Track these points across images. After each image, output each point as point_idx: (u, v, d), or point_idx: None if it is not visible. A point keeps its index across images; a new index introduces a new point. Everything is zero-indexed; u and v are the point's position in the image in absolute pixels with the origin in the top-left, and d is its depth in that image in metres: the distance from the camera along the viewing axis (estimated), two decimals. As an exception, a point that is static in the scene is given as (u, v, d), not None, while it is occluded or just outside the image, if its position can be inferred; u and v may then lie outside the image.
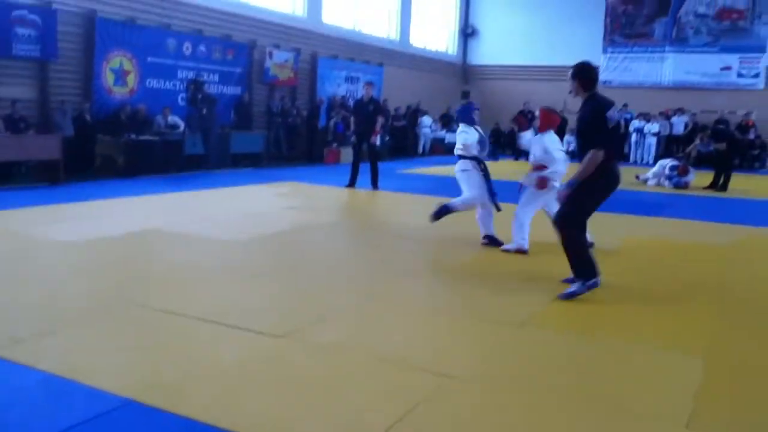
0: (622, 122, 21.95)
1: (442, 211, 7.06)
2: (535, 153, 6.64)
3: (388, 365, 3.63)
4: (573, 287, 5.05)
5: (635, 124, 21.18)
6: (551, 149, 6.51)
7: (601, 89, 5.31)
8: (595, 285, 5.02)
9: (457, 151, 7.11)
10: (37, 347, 3.73)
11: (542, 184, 6.43)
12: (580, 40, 23.51)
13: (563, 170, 6.52)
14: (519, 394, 3.34)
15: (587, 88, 4.97)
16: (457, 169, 7.10)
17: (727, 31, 22.42)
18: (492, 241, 6.98)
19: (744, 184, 14.39)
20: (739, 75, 22.33)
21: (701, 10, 22.72)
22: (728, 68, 22.41)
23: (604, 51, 23.94)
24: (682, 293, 5.42)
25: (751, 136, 20.32)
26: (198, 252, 6.31)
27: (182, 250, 6.41)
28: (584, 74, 4.98)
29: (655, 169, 14.59)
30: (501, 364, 3.75)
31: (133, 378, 3.35)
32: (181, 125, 13.64)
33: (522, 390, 3.38)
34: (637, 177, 14.45)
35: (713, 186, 13.59)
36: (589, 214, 5.20)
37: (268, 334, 4.06)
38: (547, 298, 5.05)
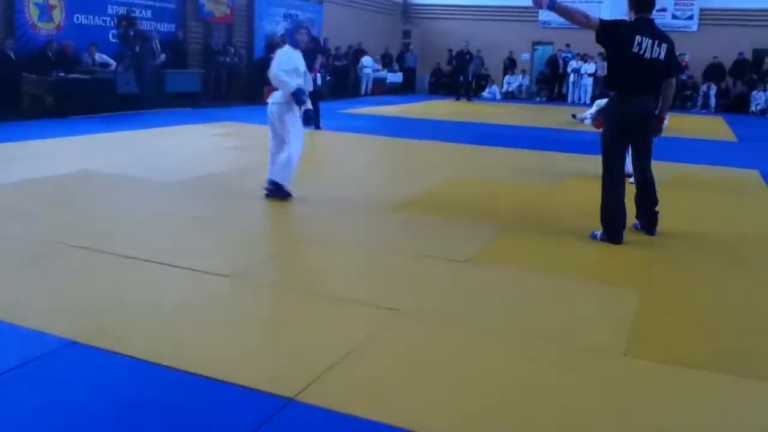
0: (561, 62, 22.26)
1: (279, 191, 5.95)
2: None
3: (331, 303, 3.64)
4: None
5: (573, 64, 21.44)
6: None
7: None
8: (599, 236, 4.99)
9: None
10: (-28, 289, 3.60)
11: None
12: (520, -20, 23.41)
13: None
14: (460, 328, 3.37)
15: (633, 8, 4.83)
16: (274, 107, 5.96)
17: (663, -26, 22.69)
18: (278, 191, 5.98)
19: (677, 123, 14.80)
20: (674, 17, 22.71)
21: (639, -49, 22.88)
22: (663, 10, 22.74)
23: (545, -9, 23.90)
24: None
25: (684, 76, 20.85)
26: (136, 194, 6.13)
27: (119, 192, 6.22)
28: None
29: (591, 109, 14.82)
30: (444, 299, 3.78)
31: (76, 319, 3.27)
32: (111, 63, 13.09)
33: (463, 324, 3.43)
34: (574, 116, 14.68)
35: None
36: (611, 151, 4.95)
37: (211, 273, 3.99)
38: (490, 236, 5.13)
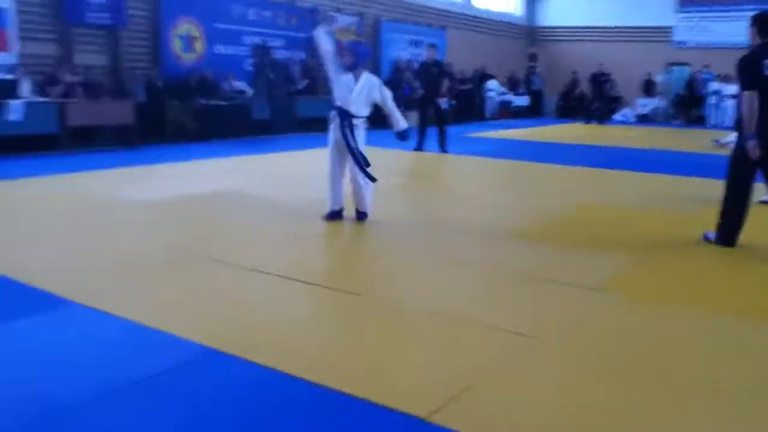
0: (699, 83, 21.03)
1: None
2: None
3: (458, 324, 3.53)
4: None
5: (713, 86, 20.24)
6: None
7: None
8: (711, 238, 5.32)
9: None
10: (122, 297, 3.80)
11: None
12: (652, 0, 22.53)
13: None
14: (590, 358, 3.17)
15: (760, 35, 5.05)
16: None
17: (815, -13, 21.05)
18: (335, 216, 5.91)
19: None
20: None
21: (786, -35, 21.38)
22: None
23: (679, 10, 22.84)
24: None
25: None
26: (272, 213, 6.31)
27: (256, 210, 6.44)
28: (756, 21, 5.10)
29: (735, 133, 13.87)
30: (573, 328, 3.55)
31: (214, 328, 3.37)
32: (247, 90, 13.73)
33: (592, 354, 3.22)
34: (717, 140, 13.77)
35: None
36: (744, 170, 5.12)
37: (342, 291, 4.02)
38: (621, 263, 4.86)
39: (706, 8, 22.52)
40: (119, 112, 10.95)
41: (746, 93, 4.97)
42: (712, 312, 3.81)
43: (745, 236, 5.21)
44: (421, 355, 3.13)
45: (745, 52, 5.12)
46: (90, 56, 12.06)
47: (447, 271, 4.56)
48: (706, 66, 20.53)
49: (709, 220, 5.44)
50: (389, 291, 4.14)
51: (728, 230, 5.23)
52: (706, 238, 5.38)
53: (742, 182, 5.16)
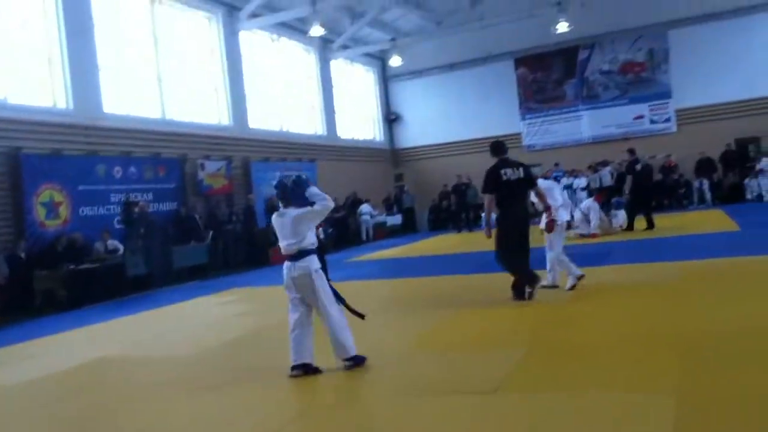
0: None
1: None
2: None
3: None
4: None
5: (564, 181, 21.87)
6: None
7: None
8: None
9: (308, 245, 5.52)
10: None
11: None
12: (498, 112, 24.58)
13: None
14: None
15: (493, 155, 7.63)
16: (313, 270, 5.56)
17: (633, 83, 23.75)
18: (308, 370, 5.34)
19: (673, 222, 14.97)
20: (652, 122, 23.52)
21: (605, 67, 24.09)
22: (641, 117, 23.62)
23: (522, 118, 24.97)
24: (644, 334, 5.53)
25: (676, 176, 21.35)
26: (153, 373, 6.12)
27: (137, 373, 6.21)
28: (490, 148, 7.73)
29: (577, 215, 14.77)
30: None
31: None
32: (121, 248, 13.44)
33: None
34: (580, 234, 14.69)
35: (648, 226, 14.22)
36: (510, 250, 7.32)
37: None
38: (514, 362, 5.08)
39: (544, 113, 24.76)
40: (-19, 292, 10.37)
41: (486, 195, 7.45)
42: (596, 393, 4.04)
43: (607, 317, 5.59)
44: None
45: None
46: (-56, 237, 11.49)
47: (352, 409, 4.58)
48: (557, 164, 22.28)
49: (590, 306, 5.80)
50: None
51: (517, 288, 7.45)
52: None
53: (509, 252, 7.28)
